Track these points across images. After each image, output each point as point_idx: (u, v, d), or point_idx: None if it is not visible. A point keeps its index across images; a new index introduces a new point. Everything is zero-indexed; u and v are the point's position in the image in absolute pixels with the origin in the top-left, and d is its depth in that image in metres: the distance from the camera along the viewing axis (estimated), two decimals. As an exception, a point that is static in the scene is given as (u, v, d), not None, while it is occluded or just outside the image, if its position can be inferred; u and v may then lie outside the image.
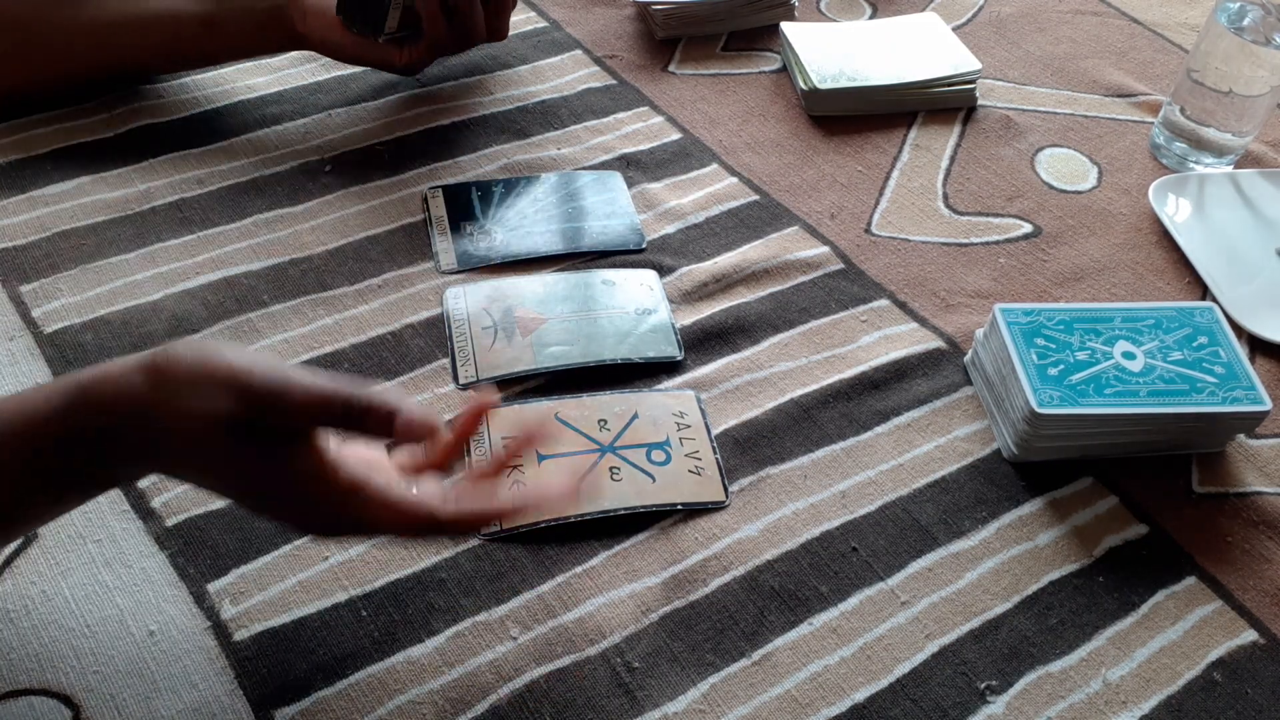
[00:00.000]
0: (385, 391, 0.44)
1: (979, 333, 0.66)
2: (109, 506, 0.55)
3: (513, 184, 0.77)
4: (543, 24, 0.93)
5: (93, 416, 0.43)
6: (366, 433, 0.44)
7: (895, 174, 0.81)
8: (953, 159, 0.83)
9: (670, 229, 0.75)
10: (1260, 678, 0.53)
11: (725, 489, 0.59)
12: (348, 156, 0.78)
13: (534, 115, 0.83)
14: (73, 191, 0.72)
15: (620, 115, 0.84)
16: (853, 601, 0.55)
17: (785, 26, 0.91)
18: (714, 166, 0.80)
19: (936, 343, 0.68)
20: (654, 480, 0.58)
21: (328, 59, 0.85)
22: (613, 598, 0.54)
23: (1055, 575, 0.57)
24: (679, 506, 0.58)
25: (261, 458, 0.43)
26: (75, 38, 0.74)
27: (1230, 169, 0.83)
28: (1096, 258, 0.76)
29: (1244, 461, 0.63)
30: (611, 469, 0.59)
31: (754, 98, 0.88)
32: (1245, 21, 0.77)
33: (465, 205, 0.74)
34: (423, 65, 0.78)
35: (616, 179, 0.78)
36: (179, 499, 0.56)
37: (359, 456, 0.46)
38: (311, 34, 0.75)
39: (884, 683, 0.52)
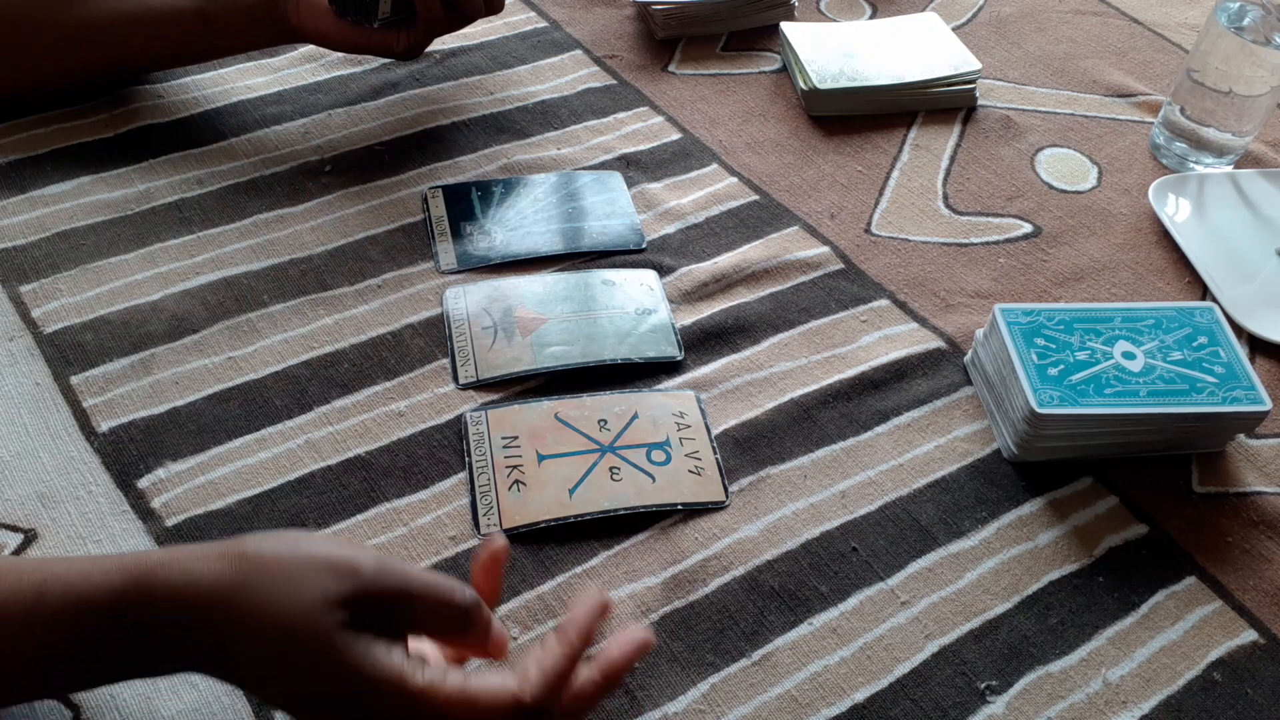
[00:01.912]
0: (480, 603, 0.43)
1: (979, 333, 0.66)
2: (109, 506, 0.55)
3: (513, 184, 0.77)
4: (543, 24, 0.93)
5: (156, 602, 0.39)
6: (465, 636, 0.42)
7: (895, 174, 0.81)
8: (953, 159, 0.83)
9: (670, 229, 0.75)
10: (1260, 678, 0.53)
11: (725, 489, 0.59)
12: (347, 156, 0.78)
13: (534, 115, 0.83)
14: (73, 191, 0.72)
15: (620, 115, 0.84)
16: (853, 601, 0.55)
17: (785, 26, 0.91)
18: (714, 166, 0.80)
19: (936, 343, 0.68)
20: (654, 480, 0.58)
21: (327, 58, 0.86)
22: (613, 598, 0.54)
23: (1055, 575, 0.57)
24: (679, 506, 0.58)
25: (361, 653, 0.39)
26: (69, 36, 0.73)
27: (1230, 169, 0.83)
28: (1096, 258, 0.76)
29: (1244, 461, 0.63)
30: (611, 469, 0.59)
31: (754, 98, 0.88)
32: (1245, 21, 0.77)
33: (465, 205, 0.74)
34: (421, 48, 0.77)
35: (616, 179, 0.78)
36: (179, 499, 0.56)
37: (414, 648, 0.43)
38: (305, 25, 0.74)
39: (884, 683, 0.52)
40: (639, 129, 0.83)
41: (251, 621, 0.39)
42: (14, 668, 0.40)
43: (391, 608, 0.41)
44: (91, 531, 0.54)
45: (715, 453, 0.60)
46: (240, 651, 0.40)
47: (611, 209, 0.75)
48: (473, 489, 0.57)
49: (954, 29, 0.96)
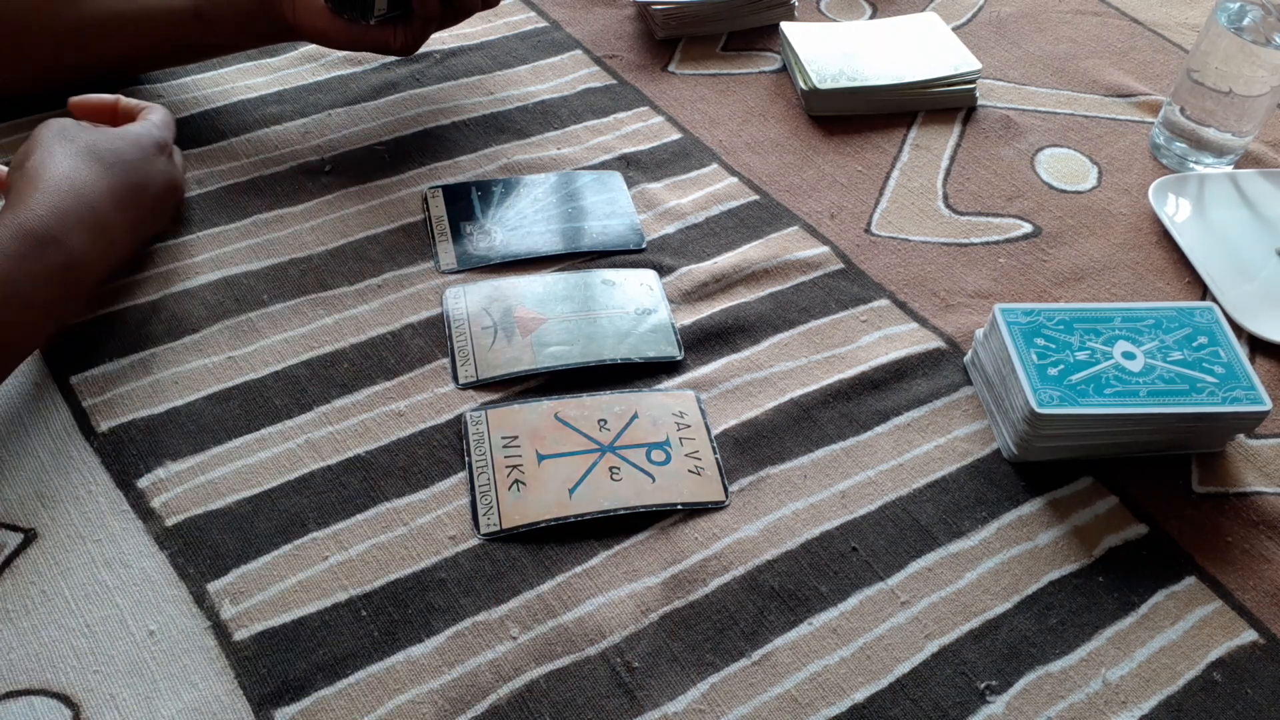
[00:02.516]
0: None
1: (979, 333, 0.66)
2: (109, 506, 0.55)
3: (513, 184, 0.77)
4: (543, 24, 0.93)
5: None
6: None
7: (895, 174, 0.81)
8: (953, 159, 0.83)
9: (670, 229, 0.75)
10: (1260, 678, 0.53)
11: (725, 489, 0.59)
12: (348, 156, 0.78)
13: (534, 115, 0.83)
14: (73, 191, 0.72)
15: (620, 115, 0.84)
16: (853, 601, 0.55)
17: (785, 26, 0.91)
18: (714, 166, 0.80)
19: (936, 343, 0.68)
20: (654, 480, 0.58)
21: (327, 58, 0.86)
22: (613, 598, 0.54)
23: (1055, 575, 0.57)
24: (679, 506, 0.58)
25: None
26: (66, 35, 0.73)
27: (1230, 169, 0.83)
28: (1096, 258, 0.76)
29: (1244, 461, 0.63)
30: (611, 469, 0.59)
31: (754, 98, 0.88)
32: (1245, 21, 0.77)
33: (465, 205, 0.74)
34: (418, 44, 0.77)
35: (616, 179, 0.78)
36: (179, 499, 0.56)
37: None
38: (302, 23, 0.74)
39: (884, 683, 0.52)
40: (639, 129, 0.83)
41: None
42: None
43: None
44: (91, 531, 0.54)
45: (715, 453, 0.60)
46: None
47: (611, 209, 0.75)
48: (472, 489, 0.57)
49: (954, 29, 0.96)
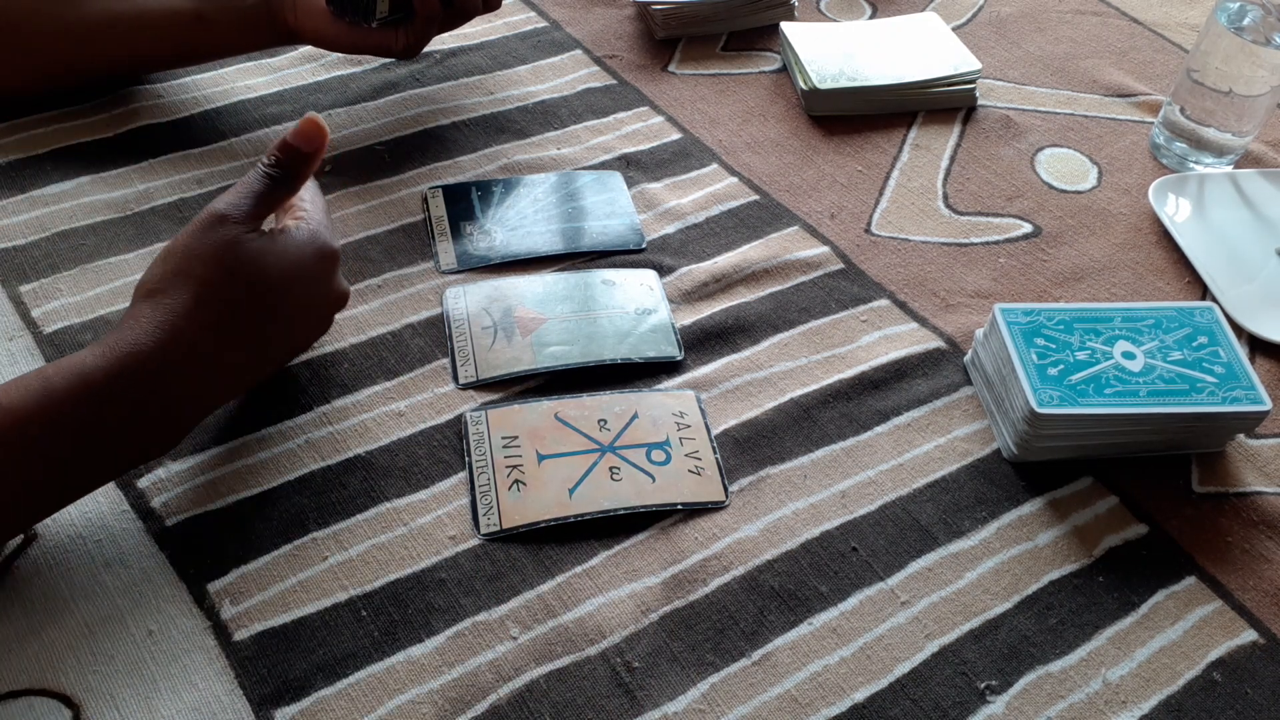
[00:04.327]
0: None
1: (979, 333, 0.66)
2: (109, 506, 0.55)
3: (513, 184, 0.77)
4: (543, 24, 0.93)
5: (143, 360, 0.49)
6: (293, 167, 0.55)
7: (895, 174, 0.81)
8: (953, 159, 0.83)
9: (670, 229, 0.75)
10: (1260, 678, 0.53)
11: (725, 489, 0.59)
12: (348, 156, 0.78)
13: (534, 115, 0.83)
14: (73, 191, 0.72)
15: (620, 115, 0.84)
16: (853, 601, 0.55)
17: (785, 26, 0.91)
18: (714, 166, 0.80)
19: (936, 343, 0.68)
20: (654, 480, 0.58)
21: (327, 58, 0.86)
22: (613, 598, 0.54)
23: (1055, 575, 0.57)
24: (679, 506, 0.58)
25: (276, 241, 0.54)
26: (65, 36, 0.73)
27: (1230, 169, 0.83)
28: (1096, 258, 0.76)
29: (1244, 461, 0.63)
30: (611, 469, 0.59)
31: (754, 98, 0.88)
32: (1245, 21, 0.77)
33: (465, 205, 0.74)
34: (420, 47, 0.77)
35: (616, 179, 0.78)
36: (179, 499, 0.56)
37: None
38: (303, 27, 0.74)
39: (884, 683, 0.52)
40: (639, 129, 0.83)
41: (187, 306, 0.51)
42: (36, 456, 0.48)
43: (256, 209, 0.54)
44: (92, 531, 0.54)
45: (715, 452, 0.60)
46: (202, 331, 0.51)
47: (611, 209, 0.75)
48: (473, 489, 0.57)
49: (954, 29, 0.96)
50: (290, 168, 0.55)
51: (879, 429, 0.63)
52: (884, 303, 0.71)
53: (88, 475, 0.50)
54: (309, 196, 0.59)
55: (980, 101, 0.89)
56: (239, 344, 0.53)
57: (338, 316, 0.66)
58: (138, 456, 0.52)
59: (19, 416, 0.47)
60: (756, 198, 0.78)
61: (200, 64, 0.82)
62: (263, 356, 0.56)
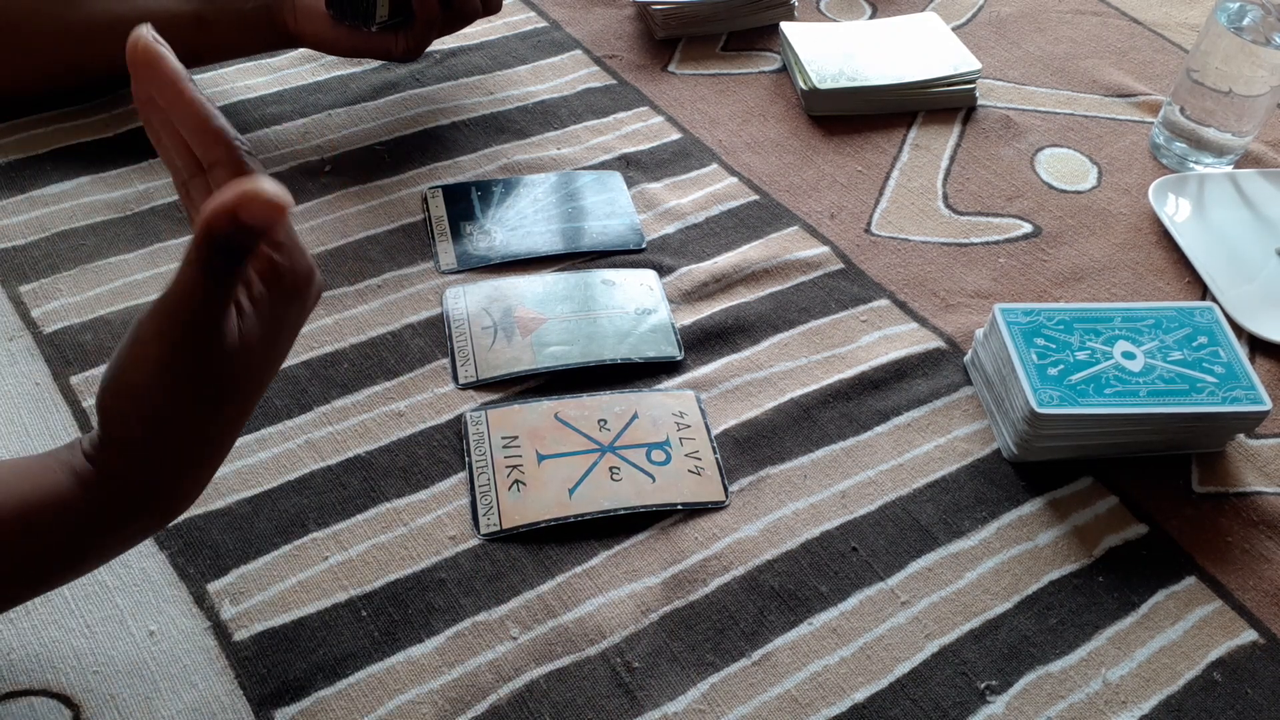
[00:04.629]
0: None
1: (979, 333, 0.66)
2: (109, 506, 0.55)
3: (513, 184, 0.77)
4: (543, 24, 0.93)
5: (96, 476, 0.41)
6: (236, 244, 0.37)
7: (895, 174, 0.81)
8: (953, 159, 0.83)
9: (670, 229, 0.75)
10: (1260, 678, 0.53)
11: (725, 489, 0.59)
12: (348, 156, 0.78)
13: (534, 115, 0.83)
14: (73, 191, 0.72)
15: (620, 115, 0.84)
16: (853, 601, 0.55)
17: (785, 26, 0.91)
18: (714, 166, 0.80)
19: (936, 343, 0.68)
20: (654, 480, 0.58)
21: (327, 58, 0.85)
22: (613, 598, 0.54)
23: (1055, 575, 0.57)
24: (679, 506, 0.58)
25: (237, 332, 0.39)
26: (65, 37, 0.73)
27: (1230, 169, 0.83)
28: (1096, 258, 0.76)
29: (1244, 461, 0.63)
30: (611, 469, 0.59)
31: (754, 98, 0.88)
32: (1245, 21, 0.77)
33: (465, 205, 0.74)
34: (420, 50, 0.77)
35: (616, 179, 0.78)
36: (179, 499, 0.56)
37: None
38: (304, 31, 0.74)
39: (884, 683, 0.52)
40: (639, 129, 0.83)
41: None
42: (19, 586, 0.43)
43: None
44: (91, 531, 0.54)
45: (715, 452, 0.60)
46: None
47: (611, 209, 0.75)
48: (473, 489, 0.57)
49: (954, 29, 0.96)
50: (236, 243, 0.38)
51: (879, 429, 0.63)
52: (884, 303, 0.71)
53: (82, 573, 0.46)
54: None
55: (980, 101, 0.89)
56: (228, 432, 0.43)
57: (337, 317, 0.66)
58: (140, 538, 0.46)
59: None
60: (756, 198, 0.78)
61: (200, 67, 0.82)
62: (249, 406, 0.44)
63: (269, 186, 0.35)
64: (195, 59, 0.80)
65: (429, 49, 0.85)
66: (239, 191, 0.35)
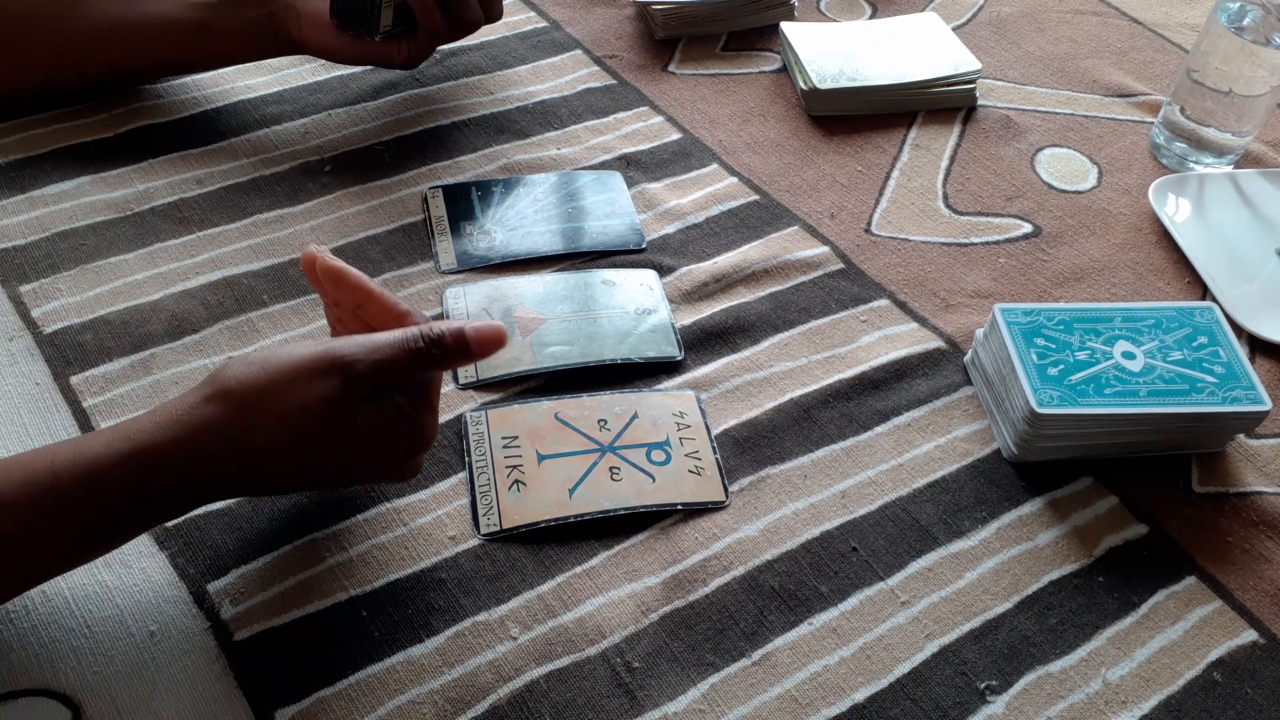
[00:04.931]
0: (434, 321, 0.49)
1: (979, 333, 0.66)
2: (109, 506, 0.55)
3: (513, 184, 0.77)
4: (543, 24, 0.93)
5: (166, 453, 0.46)
6: (447, 364, 0.49)
7: (895, 174, 0.81)
8: (953, 159, 0.83)
9: (670, 229, 0.75)
10: (1260, 678, 0.53)
11: (725, 489, 0.59)
12: (348, 156, 0.78)
13: (534, 115, 0.83)
14: (73, 191, 0.72)
15: (620, 115, 0.84)
16: (853, 601, 0.55)
17: (785, 26, 0.91)
18: (714, 166, 0.80)
19: (936, 343, 0.68)
20: (654, 480, 0.58)
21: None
22: (613, 598, 0.54)
23: (1055, 575, 0.57)
24: (679, 506, 0.58)
25: (377, 414, 0.48)
26: (67, 41, 0.73)
27: (1230, 169, 0.83)
28: (1096, 258, 0.76)
29: (1244, 461, 0.63)
30: (611, 469, 0.59)
31: (754, 98, 0.88)
32: (1245, 21, 0.77)
33: (465, 205, 0.74)
34: (422, 59, 0.77)
35: (616, 179, 0.78)
36: (179, 499, 0.56)
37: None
38: (307, 38, 0.74)
39: (884, 683, 0.52)
40: (639, 129, 0.83)
41: (260, 431, 0.46)
42: (39, 542, 0.46)
43: (379, 382, 0.48)
44: (91, 531, 0.54)
45: (715, 453, 0.60)
46: (255, 464, 0.47)
47: (611, 209, 0.75)
48: (473, 489, 0.57)
49: (954, 29, 0.96)
50: (447, 361, 0.49)
51: (879, 429, 0.63)
52: (884, 303, 0.71)
53: (91, 554, 0.48)
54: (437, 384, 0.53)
55: (980, 101, 0.89)
56: (279, 482, 0.51)
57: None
58: (144, 529, 0.50)
59: (23, 508, 0.45)
60: (756, 198, 0.78)
61: (203, 72, 0.82)
62: (295, 487, 0.54)
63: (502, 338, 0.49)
64: (199, 65, 0.80)
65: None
66: (493, 332, 0.49)
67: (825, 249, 0.74)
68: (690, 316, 0.68)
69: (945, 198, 0.80)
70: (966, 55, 0.88)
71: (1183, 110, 0.82)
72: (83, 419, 0.59)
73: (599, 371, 0.64)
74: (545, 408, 0.61)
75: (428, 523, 0.56)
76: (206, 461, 0.46)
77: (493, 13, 0.78)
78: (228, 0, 0.73)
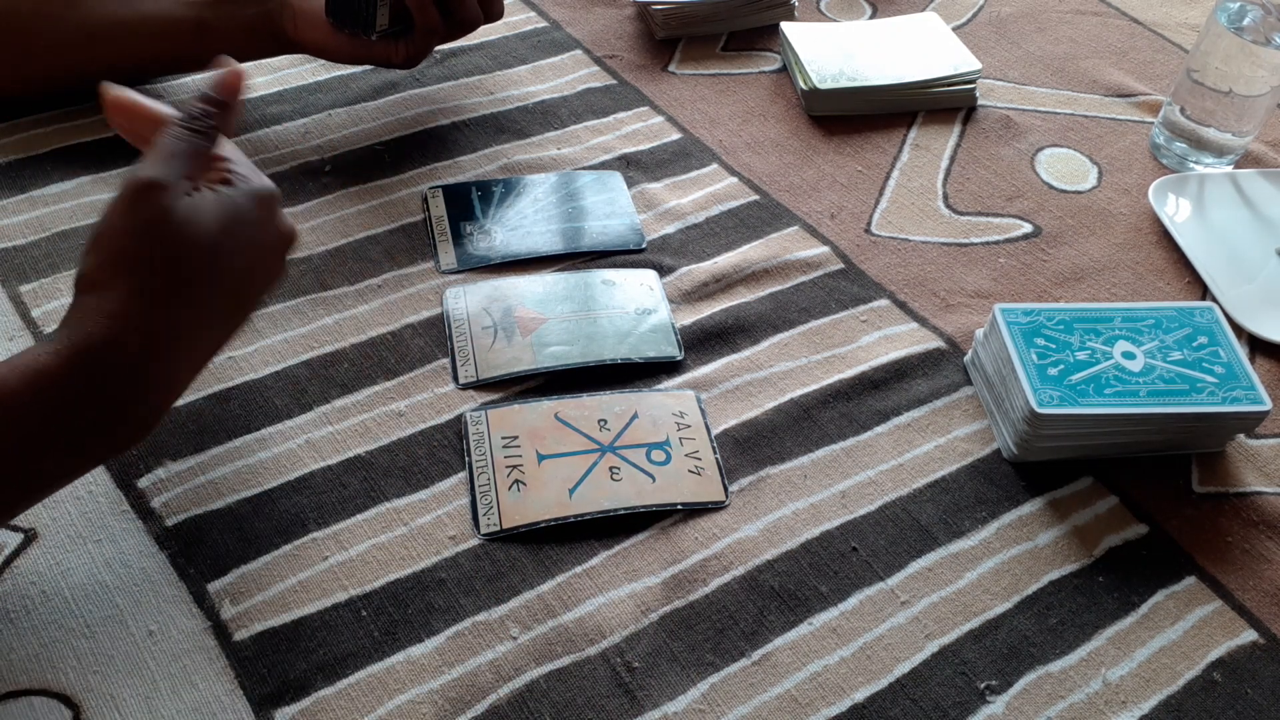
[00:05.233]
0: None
1: (979, 333, 0.66)
2: (109, 506, 0.55)
3: (513, 184, 0.77)
4: (543, 24, 0.93)
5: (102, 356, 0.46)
6: (209, 122, 0.51)
7: (895, 174, 0.81)
8: (953, 159, 0.83)
9: (670, 229, 0.75)
10: (1260, 678, 0.53)
11: (725, 489, 0.59)
12: (348, 156, 0.78)
13: (534, 115, 0.83)
14: (73, 191, 0.72)
15: (620, 115, 0.84)
16: (853, 601, 0.55)
17: (785, 26, 0.91)
18: (714, 166, 0.80)
19: (936, 343, 0.68)
20: (654, 480, 0.58)
21: (327, 59, 0.86)
22: (613, 598, 0.54)
23: (1055, 575, 0.57)
24: (679, 506, 0.58)
25: (214, 201, 0.49)
26: (65, 40, 0.73)
27: (1230, 169, 0.83)
28: (1096, 258, 0.76)
29: (1244, 461, 0.63)
30: (611, 469, 0.59)
31: (754, 98, 0.88)
32: (1245, 21, 0.77)
33: (465, 205, 0.74)
34: (420, 59, 0.77)
35: (616, 179, 0.78)
36: (179, 499, 0.56)
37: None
38: (303, 38, 0.74)
39: (884, 683, 0.52)
40: (639, 129, 0.83)
41: (145, 281, 0.47)
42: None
43: (180, 173, 0.49)
44: (92, 531, 0.54)
45: (715, 452, 0.60)
46: (162, 302, 0.47)
47: (611, 209, 0.75)
48: (473, 489, 0.57)
49: (954, 29, 0.96)
50: (207, 120, 0.51)
51: (879, 429, 0.63)
52: (884, 303, 0.71)
53: (56, 472, 0.48)
54: (227, 150, 0.54)
55: (980, 101, 0.89)
56: (194, 318, 0.49)
57: (337, 317, 0.66)
58: (110, 449, 0.49)
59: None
60: (756, 198, 0.78)
61: (200, 72, 0.82)
62: (221, 323, 0.52)
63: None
64: (196, 64, 0.80)
65: (428, 50, 0.85)
66: (229, 75, 0.53)
67: (825, 249, 0.74)
68: (690, 316, 0.68)
69: (945, 198, 0.80)
70: (966, 55, 0.88)
71: (1183, 110, 0.82)
72: (83, 419, 0.59)
73: (599, 371, 0.64)
74: (545, 408, 0.61)
75: (428, 522, 0.56)
76: (124, 346, 0.46)
77: (492, 12, 0.78)
78: None
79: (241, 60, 0.81)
